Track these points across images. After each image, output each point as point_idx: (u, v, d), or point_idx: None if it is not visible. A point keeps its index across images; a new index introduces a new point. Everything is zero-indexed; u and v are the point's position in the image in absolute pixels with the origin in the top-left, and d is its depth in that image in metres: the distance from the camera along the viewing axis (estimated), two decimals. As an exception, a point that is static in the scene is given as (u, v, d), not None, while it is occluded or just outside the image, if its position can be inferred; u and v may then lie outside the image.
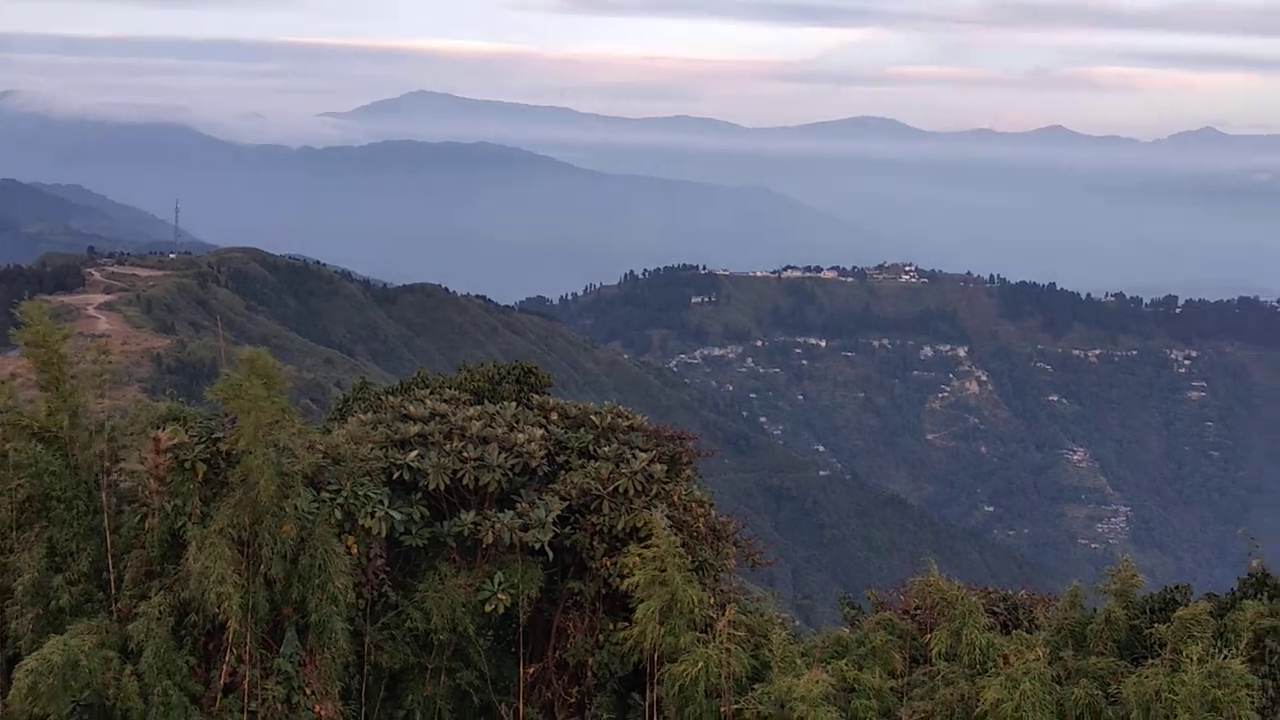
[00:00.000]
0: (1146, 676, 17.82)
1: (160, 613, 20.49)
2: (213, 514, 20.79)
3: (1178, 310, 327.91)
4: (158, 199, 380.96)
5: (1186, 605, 20.24)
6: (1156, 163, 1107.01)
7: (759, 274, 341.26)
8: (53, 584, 21.36)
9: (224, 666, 20.82)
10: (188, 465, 21.25)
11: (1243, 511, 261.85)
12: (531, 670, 23.20)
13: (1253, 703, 17.69)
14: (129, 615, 20.72)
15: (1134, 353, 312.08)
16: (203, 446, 21.34)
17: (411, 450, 23.33)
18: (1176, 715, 17.20)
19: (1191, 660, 17.60)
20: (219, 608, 19.94)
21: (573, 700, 23.07)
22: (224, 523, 20.60)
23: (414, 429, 23.85)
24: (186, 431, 21.69)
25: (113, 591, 21.36)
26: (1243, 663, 18.31)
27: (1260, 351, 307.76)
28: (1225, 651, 18.19)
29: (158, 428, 21.67)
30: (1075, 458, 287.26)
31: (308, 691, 20.98)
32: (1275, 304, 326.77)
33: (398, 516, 22.48)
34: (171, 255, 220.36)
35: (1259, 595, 20.19)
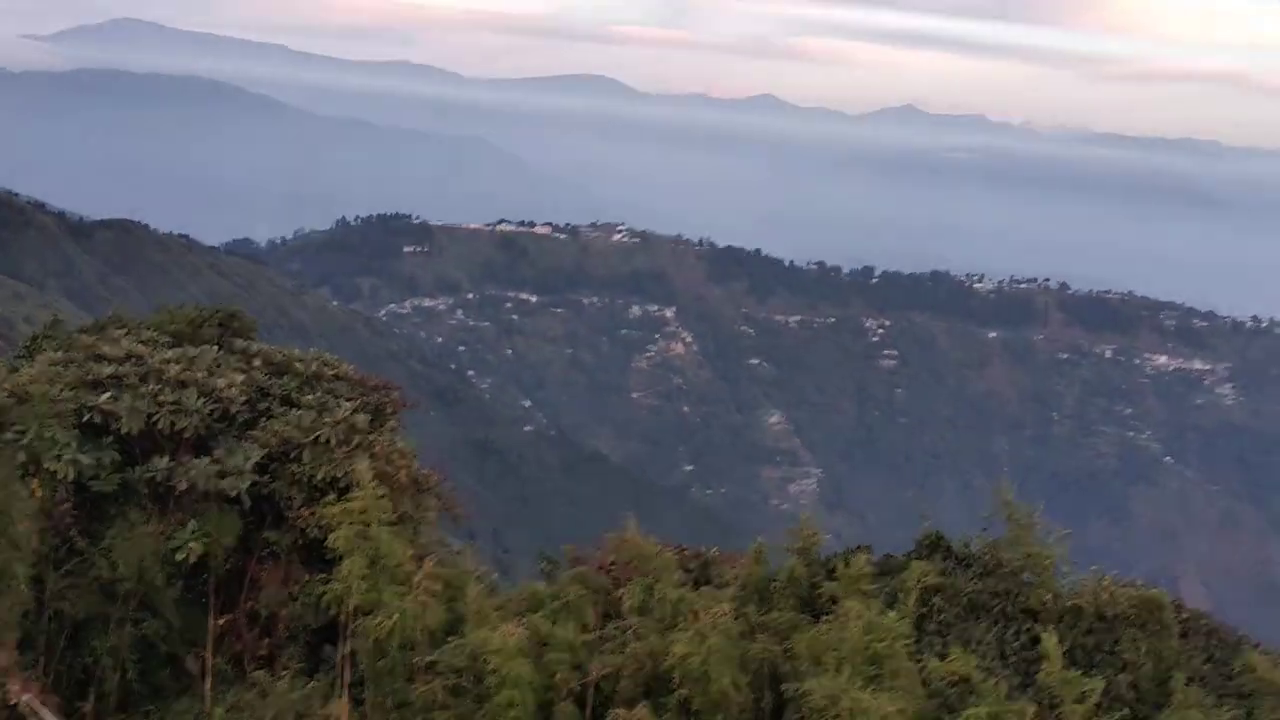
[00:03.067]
0: (819, 632, 18.50)
1: None
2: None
3: (874, 281, 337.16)
4: None
5: (848, 567, 21.08)
6: (861, 137, 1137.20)
7: (473, 226, 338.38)
8: None
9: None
10: None
11: (925, 476, 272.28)
12: (222, 621, 22.83)
13: (909, 652, 18.54)
14: None
15: (832, 320, 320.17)
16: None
17: (105, 392, 22.66)
18: (842, 667, 17.91)
19: (853, 615, 18.36)
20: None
21: (263, 653, 22.79)
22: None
23: (108, 370, 23.16)
24: None
25: None
26: (902, 618, 19.18)
27: (948, 323, 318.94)
28: (886, 607, 19.06)
29: None
30: (772, 420, 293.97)
31: (-18, 640, 20.29)
32: (964, 278, 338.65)
33: (86, 460, 21.83)
34: None
35: (931, 557, 21.14)
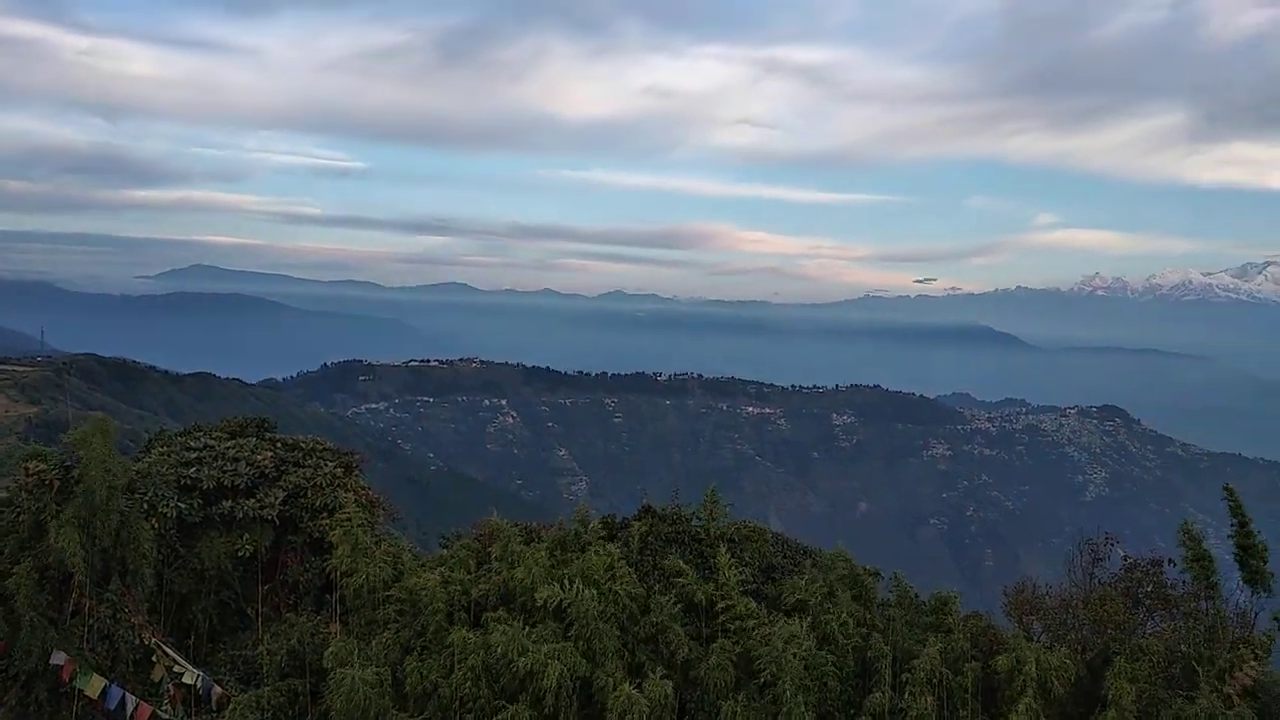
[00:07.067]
0: (585, 559, 18.45)
1: (28, 572, 17.90)
2: (64, 511, 18.28)
3: (608, 378, 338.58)
4: (34, 328, 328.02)
5: (611, 527, 21.10)
6: (593, 307, 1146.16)
7: (396, 363, 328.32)
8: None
9: (71, 600, 18.27)
10: (47, 482, 18.73)
11: (640, 477, 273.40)
12: (266, 587, 21.41)
13: (630, 567, 18.76)
14: (6, 575, 17.98)
15: (587, 400, 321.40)
16: (57, 471, 18.89)
17: (192, 467, 21.36)
18: (589, 574, 17.99)
19: (600, 551, 18.51)
20: (68, 564, 17.69)
21: (290, 603, 21.46)
22: (71, 516, 18.14)
23: (193, 455, 21.83)
24: (46, 462, 19.22)
25: (-6, 562, 18.43)
26: (629, 550, 19.42)
27: (645, 397, 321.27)
28: (623, 545, 19.19)
29: (28, 460, 19.43)
30: (561, 453, 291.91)
31: (127, 610, 18.64)
32: (652, 374, 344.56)
33: (183, 506, 20.49)
34: (38, 359, 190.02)
35: (644, 518, 21.25)
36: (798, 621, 17.35)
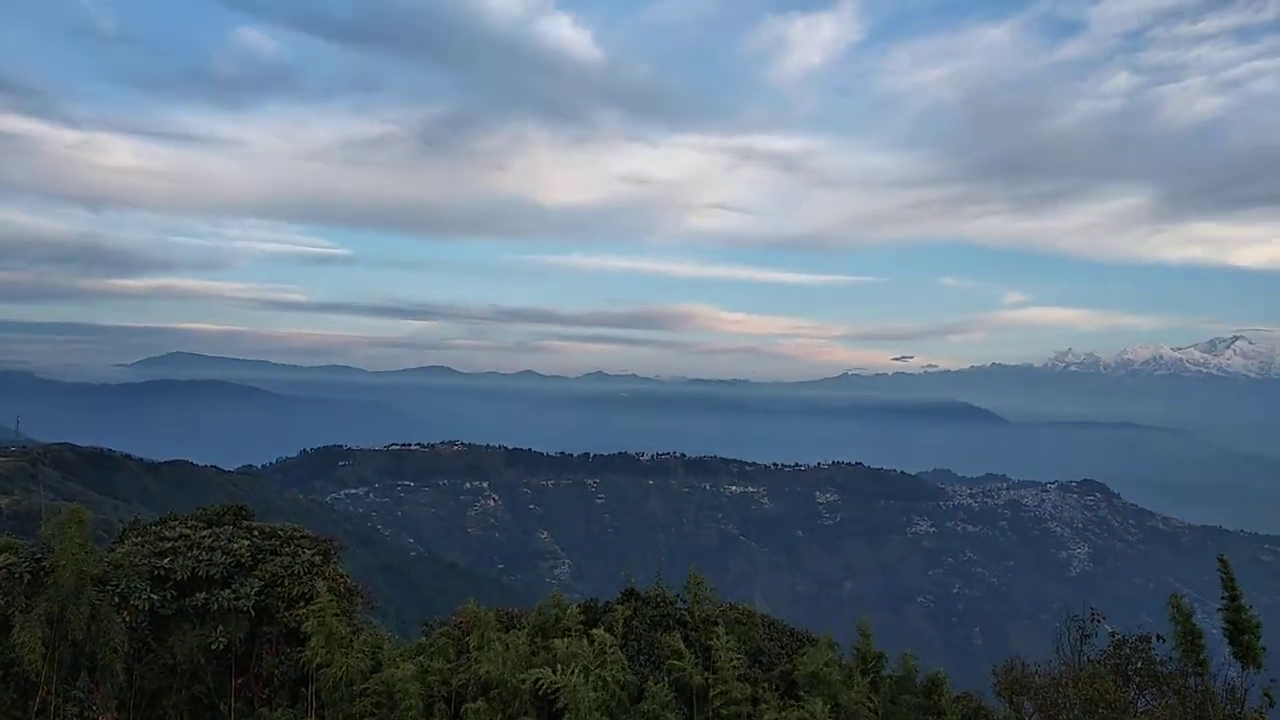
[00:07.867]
0: (566, 643, 18.04)
1: (-9, 670, 17.21)
2: (33, 605, 17.76)
3: (590, 459, 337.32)
4: (9, 418, 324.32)
5: (597, 610, 20.73)
6: (575, 388, 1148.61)
7: (377, 448, 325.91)
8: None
9: (37, 699, 17.61)
10: (16, 575, 18.21)
11: (623, 558, 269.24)
12: (239, 681, 20.77)
13: (622, 653, 18.25)
14: (-31, 674, 17.26)
15: (569, 481, 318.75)
16: (28, 563, 18.41)
17: (166, 557, 20.95)
18: (579, 662, 17.52)
19: (586, 635, 18.10)
20: (27, 664, 17.11)
21: (264, 697, 20.81)
22: (40, 610, 17.62)
23: (168, 545, 21.41)
24: (16, 554, 18.72)
25: (-43, 660, 17.70)
26: (613, 635, 18.96)
27: (629, 478, 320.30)
28: (606, 630, 18.76)
29: (-5, 554, 18.81)
30: (543, 536, 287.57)
31: (95, 708, 18.02)
32: (634, 454, 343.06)
33: (156, 598, 20.01)
34: (12, 449, 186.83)
35: (628, 601, 20.91)
36: (820, 705, 16.77)
